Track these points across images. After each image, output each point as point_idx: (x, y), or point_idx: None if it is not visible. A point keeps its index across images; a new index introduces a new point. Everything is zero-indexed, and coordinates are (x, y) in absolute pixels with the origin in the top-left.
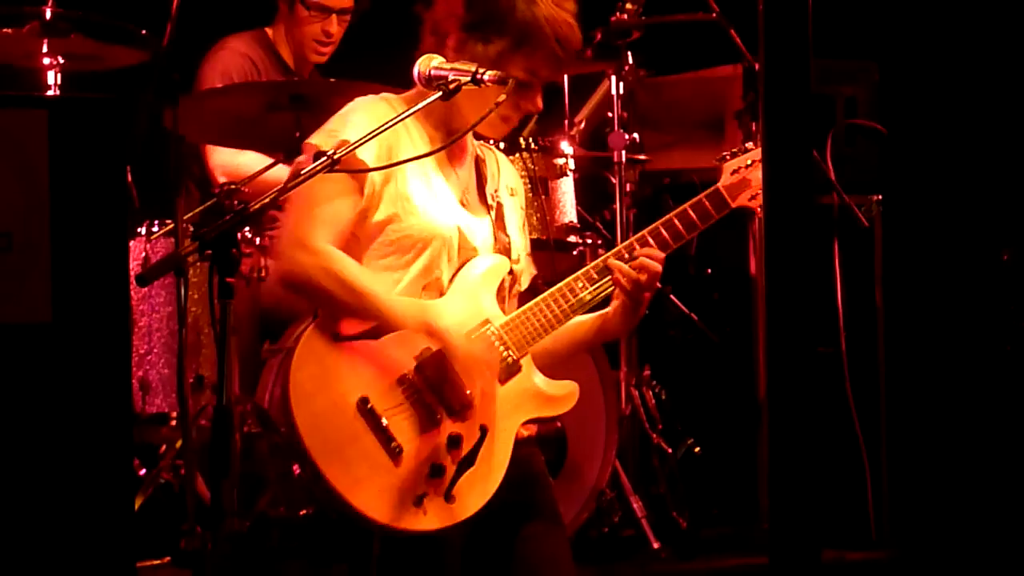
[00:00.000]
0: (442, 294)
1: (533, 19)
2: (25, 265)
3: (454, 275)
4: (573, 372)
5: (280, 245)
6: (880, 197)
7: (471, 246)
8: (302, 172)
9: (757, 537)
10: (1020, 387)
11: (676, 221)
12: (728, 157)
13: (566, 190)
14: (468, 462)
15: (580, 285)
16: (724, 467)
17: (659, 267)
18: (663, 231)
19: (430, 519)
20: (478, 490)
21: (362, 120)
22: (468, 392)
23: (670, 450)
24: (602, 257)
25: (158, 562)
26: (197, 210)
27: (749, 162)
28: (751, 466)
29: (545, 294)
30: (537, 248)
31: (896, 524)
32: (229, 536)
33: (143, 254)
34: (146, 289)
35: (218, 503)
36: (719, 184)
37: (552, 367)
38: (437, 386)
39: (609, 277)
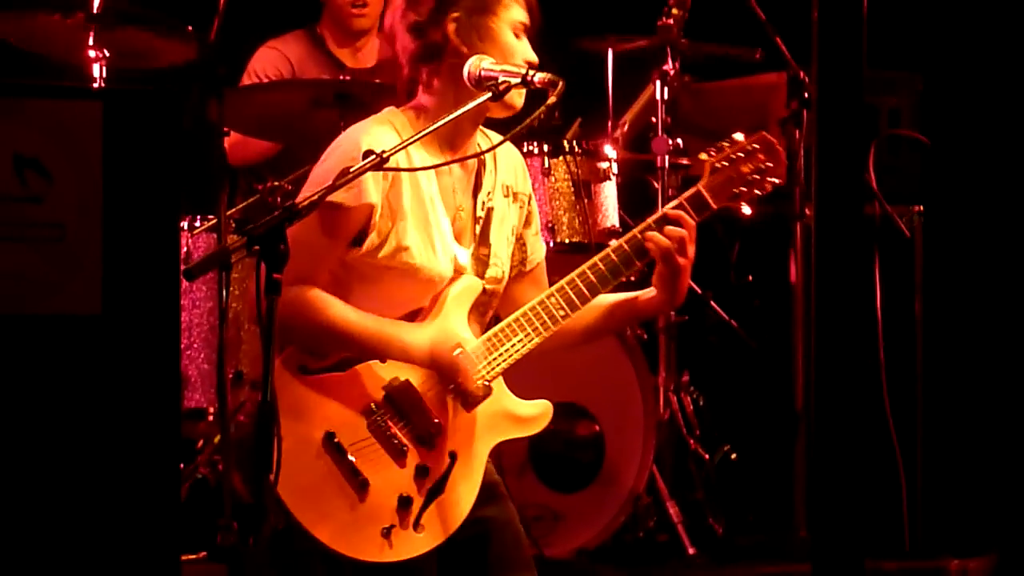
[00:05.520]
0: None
1: None
2: (77, 256)
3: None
4: (611, 376)
5: None
6: (921, 208)
7: None
8: (352, 170)
9: (792, 544)
10: None
11: (657, 227)
12: (712, 153)
13: (608, 194)
14: (437, 490)
15: (554, 302)
16: (760, 474)
17: (684, 232)
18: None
19: (396, 551)
20: (448, 517)
21: (374, 141)
22: (436, 420)
23: (707, 456)
24: (577, 270)
25: (194, 557)
26: (241, 205)
27: (734, 157)
28: (787, 474)
29: (517, 314)
30: (579, 251)
31: (930, 535)
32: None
33: (185, 248)
34: (186, 284)
35: (259, 500)
36: (700, 185)
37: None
38: (405, 415)
39: (580, 295)
